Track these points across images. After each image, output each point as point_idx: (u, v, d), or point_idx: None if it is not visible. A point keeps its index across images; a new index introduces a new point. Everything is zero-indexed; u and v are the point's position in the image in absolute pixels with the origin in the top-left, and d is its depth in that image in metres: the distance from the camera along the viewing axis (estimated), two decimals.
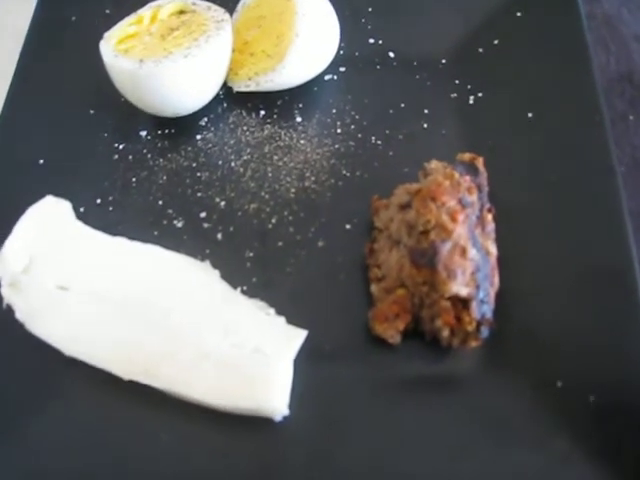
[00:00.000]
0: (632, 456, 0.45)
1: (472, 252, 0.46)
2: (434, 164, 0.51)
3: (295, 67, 0.56)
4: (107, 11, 0.66)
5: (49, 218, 0.52)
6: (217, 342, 0.48)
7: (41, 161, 0.58)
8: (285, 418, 0.46)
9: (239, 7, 0.62)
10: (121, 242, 0.52)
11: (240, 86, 0.59)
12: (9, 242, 0.50)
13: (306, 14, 0.55)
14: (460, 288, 0.45)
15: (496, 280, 0.49)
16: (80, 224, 0.53)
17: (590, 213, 0.53)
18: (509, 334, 0.49)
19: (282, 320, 0.49)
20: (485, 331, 0.47)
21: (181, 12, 0.58)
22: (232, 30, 0.57)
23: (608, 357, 0.48)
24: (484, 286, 0.47)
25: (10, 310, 0.49)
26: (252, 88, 0.58)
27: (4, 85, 0.61)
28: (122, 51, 0.55)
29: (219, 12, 0.57)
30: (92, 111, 0.61)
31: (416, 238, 0.47)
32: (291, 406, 0.46)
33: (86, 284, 0.50)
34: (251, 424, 0.46)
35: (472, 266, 0.46)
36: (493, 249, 0.49)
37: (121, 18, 0.60)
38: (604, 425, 0.46)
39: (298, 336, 0.48)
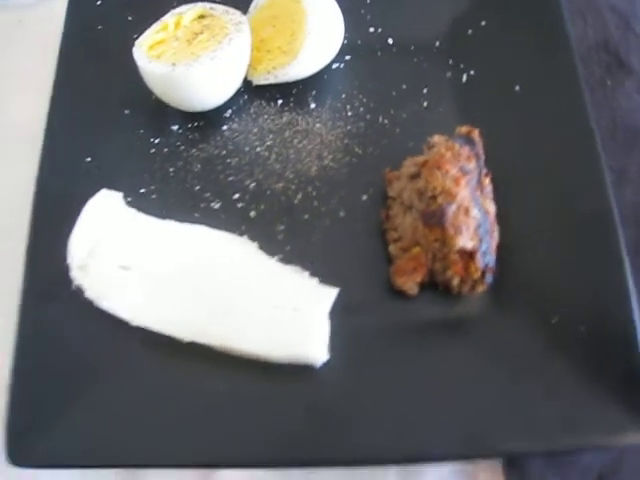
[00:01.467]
0: (618, 375, 0.52)
1: (474, 211, 0.54)
2: (436, 138, 0.58)
3: (308, 60, 0.63)
4: (130, 18, 0.72)
5: (106, 208, 0.59)
6: (262, 304, 0.55)
7: (88, 159, 0.64)
8: (324, 363, 0.53)
9: (251, 8, 0.68)
10: (170, 224, 0.59)
11: (259, 80, 0.66)
12: (75, 232, 0.57)
13: (315, 13, 0.62)
14: (466, 242, 0.53)
15: (496, 234, 0.56)
16: (133, 211, 0.60)
17: (572, 172, 0.59)
18: (509, 279, 0.56)
19: (315, 281, 0.56)
20: (489, 278, 0.54)
21: (201, 17, 0.65)
22: None
23: (594, 293, 0.54)
24: (486, 239, 0.54)
25: (80, 290, 0.56)
26: (270, 81, 0.65)
27: (46, 95, 0.67)
28: (154, 57, 0.61)
29: (236, 15, 0.64)
30: (127, 111, 0.67)
31: (426, 203, 0.54)
32: (329, 353, 0.53)
33: (144, 262, 0.57)
34: (297, 371, 0.53)
35: (475, 223, 0.54)
36: (491, 208, 0.56)
37: (143, 23, 0.66)
38: (594, 350, 0.53)
39: (330, 294, 0.55)
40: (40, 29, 0.76)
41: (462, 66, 0.68)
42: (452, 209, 0.53)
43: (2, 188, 0.66)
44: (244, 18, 0.64)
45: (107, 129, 0.66)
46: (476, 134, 0.59)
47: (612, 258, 0.56)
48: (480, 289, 0.55)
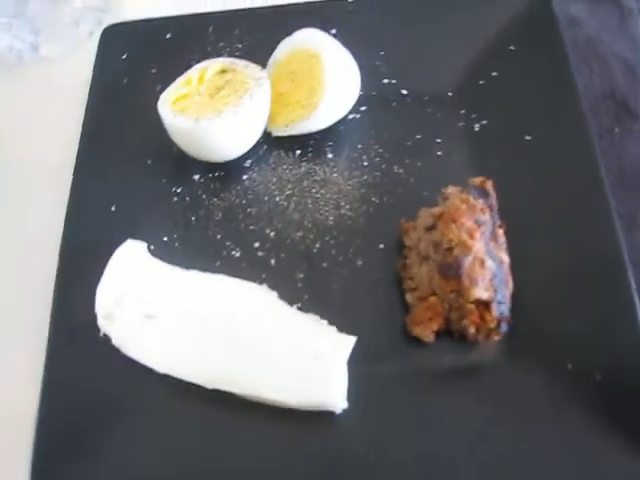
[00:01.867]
0: (635, 423, 0.53)
1: (489, 262, 0.55)
2: (450, 189, 0.59)
3: (326, 114, 0.65)
4: (153, 70, 0.75)
5: (131, 258, 0.61)
6: (282, 352, 0.56)
7: (113, 208, 0.67)
8: (344, 410, 0.55)
9: (270, 62, 0.70)
10: (193, 273, 0.61)
11: (278, 132, 0.68)
12: (102, 281, 0.59)
13: (333, 68, 0.64)
14: (482, 293, 0.54)
15: (510, 284, 0.57)
16: (158, 261, 0.62)
17: (583, 219, 0.61)
18: (524, 328, 0.57)
19: (334, 329, 0.58)
20: (504, 326, 0.56)
21: (223, 71, 0.67)
22: None
23: (608, 342, 0.55)
24: (501, 289, 0.56)
25: (107, 338, 0.58)
26: (289, 133, 0.67)
27: (73, 145, 0.70)
28: (179, 111, 0.64)
29: (256, 70, 0.66)
30: (149, 161, 0.69)
31: (442, 254, 0.56)
32: (348, 400, 0.55)
33: (168, 311, 0.59)
34: (317, 418, 0.55)
35: (490, 274, 0.55)
36: (505, 258, 0.58)
37: (166, 76, 0.69)
38: (608, 398, 0.53)
39: (349, 342, 0.56)
40: (68, 81, 0.78)
41: (474, 115, 0.69)
42: (468, 261, 0.55)
43: (29, 241, 0.68)
44: (264, 73, 0.66)
45: (131, 179, 0.69)
46: (489, 185, 0.60)
47: (624, 304, 0.56)
48: (495, 338, 0.56)
